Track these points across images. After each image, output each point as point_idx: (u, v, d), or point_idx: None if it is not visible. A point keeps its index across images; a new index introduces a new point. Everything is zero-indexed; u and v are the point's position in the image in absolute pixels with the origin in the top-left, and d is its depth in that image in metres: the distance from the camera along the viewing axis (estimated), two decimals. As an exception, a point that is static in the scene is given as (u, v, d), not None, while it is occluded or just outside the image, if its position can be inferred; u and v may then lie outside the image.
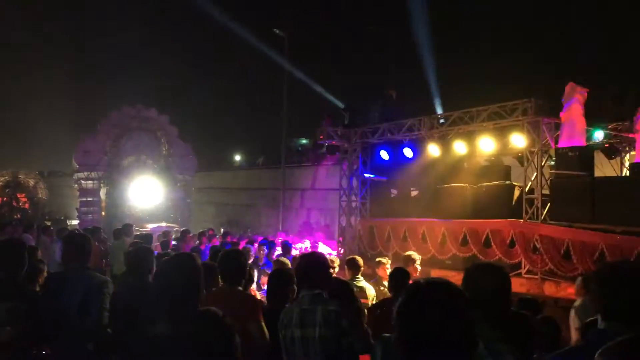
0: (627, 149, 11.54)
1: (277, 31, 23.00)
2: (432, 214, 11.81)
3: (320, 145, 27.38)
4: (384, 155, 12.89)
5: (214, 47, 38.56)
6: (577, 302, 5.90)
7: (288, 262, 7.07)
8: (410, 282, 5.17)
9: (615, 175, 11.35)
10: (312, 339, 3.56)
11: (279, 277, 4.44)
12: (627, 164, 11.53)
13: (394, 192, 14.01)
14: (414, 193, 13.62)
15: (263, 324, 3.90)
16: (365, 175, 13.54)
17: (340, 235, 14.15)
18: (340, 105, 16.71)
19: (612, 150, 11.64)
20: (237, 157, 34.57)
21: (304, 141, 30.77)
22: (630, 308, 2.24)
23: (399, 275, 5.39)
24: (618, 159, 11.80)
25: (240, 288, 4.25)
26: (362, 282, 6.43)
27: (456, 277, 5.35)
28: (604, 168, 11.28)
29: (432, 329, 1.65)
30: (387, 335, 2.52)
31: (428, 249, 11.29)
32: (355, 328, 3.64)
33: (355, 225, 13.61)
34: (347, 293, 4.36)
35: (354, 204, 13.94)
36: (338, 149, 14.36)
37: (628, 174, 11.03)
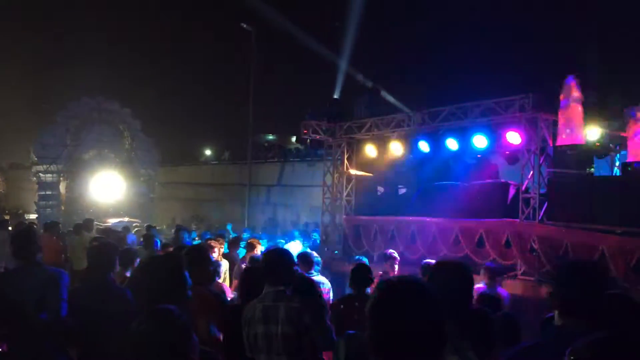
0: (618, 148, 11.39)
1: (245, 25, 22.66)
2: (422, 212, 11.41)
3: (286, 141, 27.06)
4: (371, 151, 12.42)
5: (181, 41, 37.87)
6: (479, 286, 6.69)
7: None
8: (377, 279, 5.54)
9: (607, 174, 11.19)
10: (274, 335, 3.56)
11: (253, 275, 4.33)
12: (617, 163, 11.38)
13: (381, 189, 13.58)
14: (402, 191, 13.23)
15: (211, 323, 3.96)
16: (351, 171, 13.02)
17: (323, 234, 13.62)
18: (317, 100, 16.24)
19: (602, 149, 11.44)
20: (208, 152, 33.95)
21: (270, 137, 30.62)
22: (590, 306, 2.31)
23: (360, 271, 5.40)
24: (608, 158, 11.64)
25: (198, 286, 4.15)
26: (317, 276, 6.35)
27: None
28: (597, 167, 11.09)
29: (405, 329, 1.63)
30: (351, 332, 2.75)
31: (417, 249, 10.95)
32: (318, 324, 3.69)
33: (340, 223, 13.10)
34: (310, 289, 4.34)
35: (338, 202, 13.41)
36: (322, 144, 13.77)
37: (618, 173, 10.88)
